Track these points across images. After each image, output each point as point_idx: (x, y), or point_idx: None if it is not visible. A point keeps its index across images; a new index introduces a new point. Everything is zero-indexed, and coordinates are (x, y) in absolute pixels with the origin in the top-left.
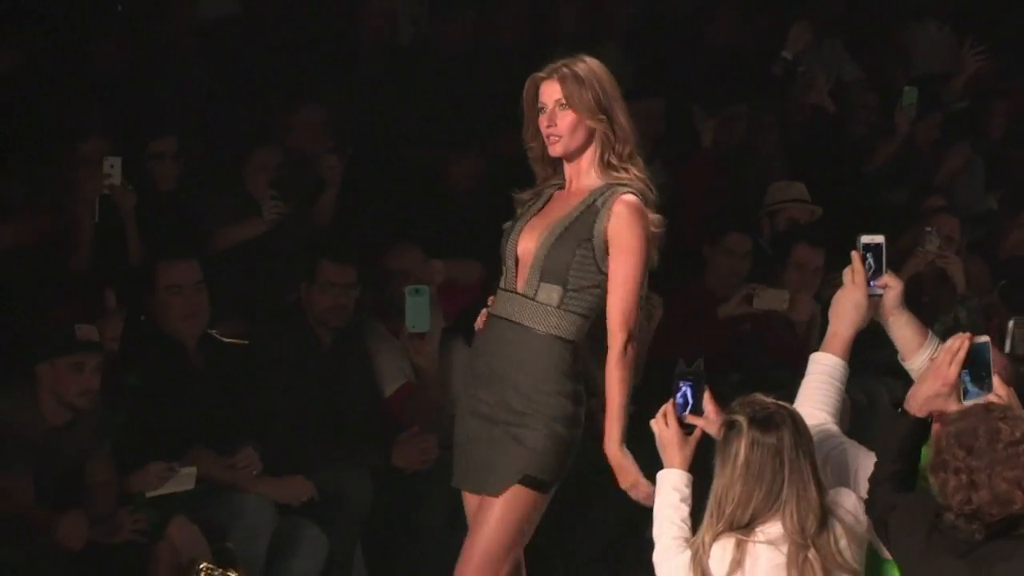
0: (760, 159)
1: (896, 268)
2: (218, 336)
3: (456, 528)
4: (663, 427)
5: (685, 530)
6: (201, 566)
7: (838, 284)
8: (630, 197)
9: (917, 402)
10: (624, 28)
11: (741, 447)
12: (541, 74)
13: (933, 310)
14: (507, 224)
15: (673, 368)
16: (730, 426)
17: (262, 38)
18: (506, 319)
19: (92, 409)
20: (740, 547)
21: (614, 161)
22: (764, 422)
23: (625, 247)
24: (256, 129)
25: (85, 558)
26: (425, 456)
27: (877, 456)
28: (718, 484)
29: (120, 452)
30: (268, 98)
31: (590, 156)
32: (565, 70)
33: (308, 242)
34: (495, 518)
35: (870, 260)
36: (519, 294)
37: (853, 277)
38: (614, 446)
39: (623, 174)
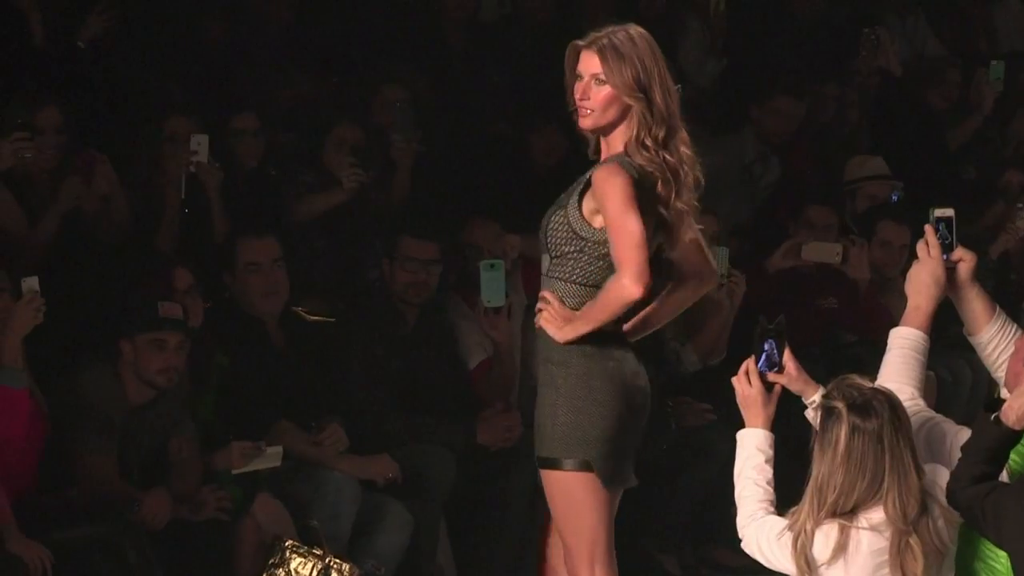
0: (842, 135)
1: (985, 245)
2: (304, 313)
3: (538, 505)
4: (746, 385)
5: (770, 492)
6: (286, 543)
7: (912, 257)
8: (611, 165)
9: (1014, 415)
10: (707, 4)
11: (841, 435)
12: (581, 42)
13: (1021, 288)
14: None
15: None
16: (828, 412)
17: (347, 15)
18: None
19: (176, 387)
20: (844, 532)
21: (648, 142)
22: (863, 408)
23: (606, 207)
24: (338, 106)
25: (169, 536)
26: (509, 433)
27: (963, 453)
28: (818, 471)
29: (206, 430)
30: (352, 75)
31: (622, 134)
32: (606, 41)
33: (390, 218)
34: None
35: (944, 232)
36: (544, 274)
37: (929, 250)
38: (563, 330)
39: (654, 156)
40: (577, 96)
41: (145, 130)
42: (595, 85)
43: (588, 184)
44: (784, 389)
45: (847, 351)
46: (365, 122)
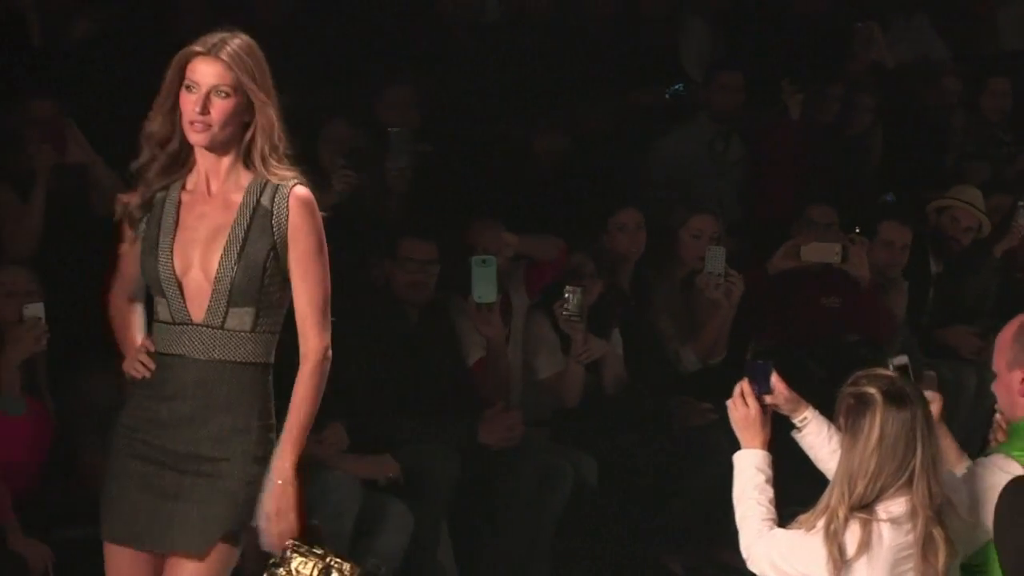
0: (850, 138)
1: (989, 244)
2: None
3: (543, 504)
4: (743, 406)
5: (772, 512)
6: (287, 543)
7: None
8: (302, 190)
9: None
10: (710, 1)
11: (876, 421)
12: (197, 48)
13: None
14: (129, 245)
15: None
16: (861, 399)
17: (349, 15)
18: (189, 357)
19: None
20: (866, 528)
21: (273, 159)
22: (897, 396)
23: (312, 246)
24: (336, 107)
25: None
26: (511, 433)
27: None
28: (849, 458)
29: None
30: (355, 75)
31: (237, 151)
32: (231, 50)
33: (390, 218)
34: None
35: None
36: (199, 325)
37: None
38: (288, 469)
39: (278, 171)
40: (190, 109)
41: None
42: (217, 97)
43: (282, 215)
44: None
45: (849, 350)
46: (365, 123)
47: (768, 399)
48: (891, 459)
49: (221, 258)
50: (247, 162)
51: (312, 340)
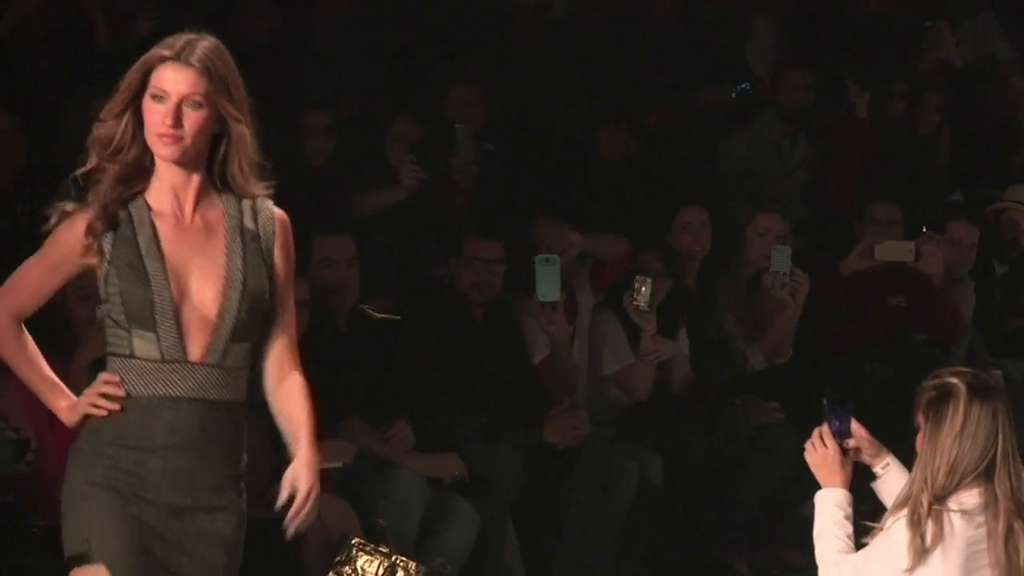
0: (917, 138)
1: None
2: (370, 311)
3: (607, 503)
4: (821, 448)
5: (850, 546)
6: (353, 542)
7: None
8: (280, 211)
9: None
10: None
11: (959, 408)
12: (164, 52)
13: None
14: (48, 261)
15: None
16: (943, 389)
17: (415, 14)
18: (185, 398)
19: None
20: (938, 519)
21: (246, 172)
22: (982, 388)
23: (292, 270)
24: (403, 104)
25: None
26: (577, 432)
27: None
28: (931, 447)
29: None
30: (419, 74)
31: (206, 165)
32: (201, 54)
33: (456, 216)
34: None
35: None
36: (196, 364)
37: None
38: (317, 456)
39: (249, 187)
40: (159, 120)
41: None
42: (189, 109)
43: (271, 239)
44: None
45: (916, 350)
46: (431, 119)
47: (850, 443)
48: (972, 447)
49: (224, 292)
50: (217, 177)
51: (296, 363)
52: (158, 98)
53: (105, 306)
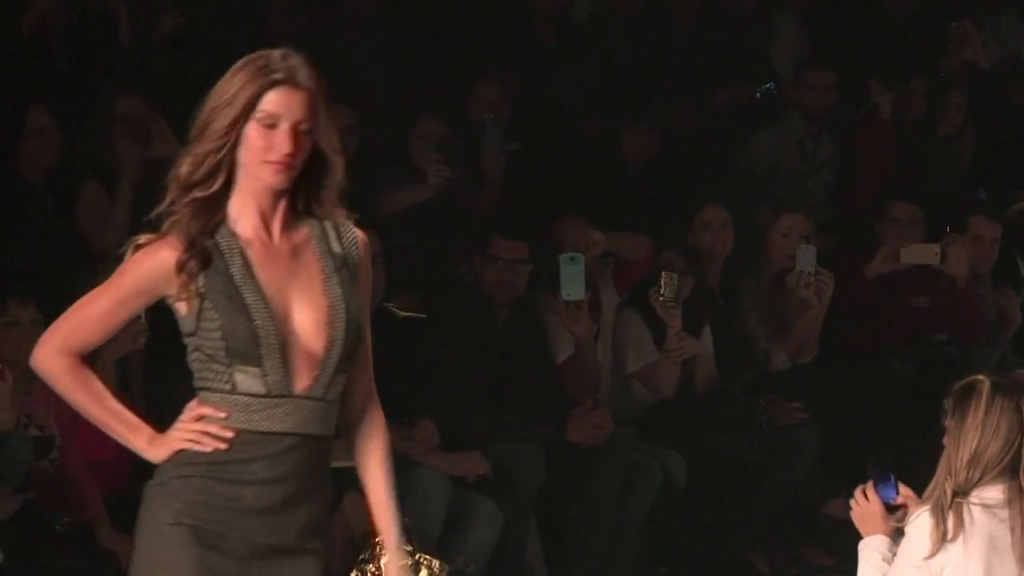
0: (941, 138)
1: None
2: (395, 309)
3: (630, 502)
4: (864, 502)
5: None
6: (376, 540)
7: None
8: (363, 233)
9: None
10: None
11: (981, 400)
12: (279, 75)
13: None
14: (125, 297)
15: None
16: (968, 385)
17: (439, 12)
18: (290, 434)
19: None
20: (958, 511)
21: (335, 198)
22: (1006, 385)
23: (370, 294)
24: (428, 102)
25: None
26: (600, 431)
27: None
28: (953, 441)
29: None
30: (443, 73)
31: (290, 191)
32: (309, 74)
33: (480, 216)
34: None
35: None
36: (300, 397)
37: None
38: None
39: (335, 211)
40: (275, 146)
41: None
42: (302, 135)
43: (358, 262)
44: None
45: (938, 350)
46: (456, 119)
47: (896, 500)
48: (995, 438)
49: (329, 321)
50: (304, 201)
51: (375, 396)
52: (270, 123)
53: (194, 340)
